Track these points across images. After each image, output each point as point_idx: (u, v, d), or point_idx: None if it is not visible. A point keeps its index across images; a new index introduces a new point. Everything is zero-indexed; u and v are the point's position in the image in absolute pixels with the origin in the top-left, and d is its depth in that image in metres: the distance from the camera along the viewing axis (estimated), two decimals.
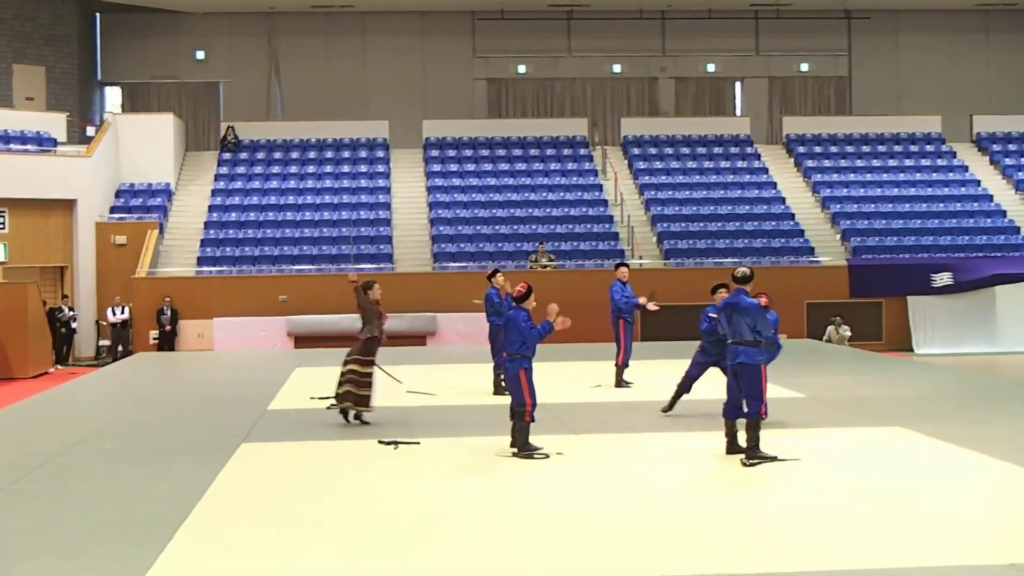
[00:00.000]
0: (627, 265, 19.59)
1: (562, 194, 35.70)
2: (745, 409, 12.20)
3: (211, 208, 34.93)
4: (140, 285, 30.26)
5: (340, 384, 15.09)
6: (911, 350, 30.42)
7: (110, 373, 24.37)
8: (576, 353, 23.76)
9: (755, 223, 34.21)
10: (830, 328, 29.67)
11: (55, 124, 34.96)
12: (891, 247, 33.20)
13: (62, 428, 15.72)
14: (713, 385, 15.84)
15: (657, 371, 20.61)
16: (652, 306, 18.58)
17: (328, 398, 15.84)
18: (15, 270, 30.64)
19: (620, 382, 18.68)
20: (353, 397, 15.02)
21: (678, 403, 15.65)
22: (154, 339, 29.70)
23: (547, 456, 12.50)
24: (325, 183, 36.51)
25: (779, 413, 14.41)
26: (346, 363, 15.14)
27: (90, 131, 36.80)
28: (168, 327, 29.61)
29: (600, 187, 36.23)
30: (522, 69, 42.07)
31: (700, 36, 42.06)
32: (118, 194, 34.59)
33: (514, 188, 36.14)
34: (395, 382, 16.77)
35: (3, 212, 31.31)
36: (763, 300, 12.94)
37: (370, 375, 15.14)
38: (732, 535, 9.29)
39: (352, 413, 15.08)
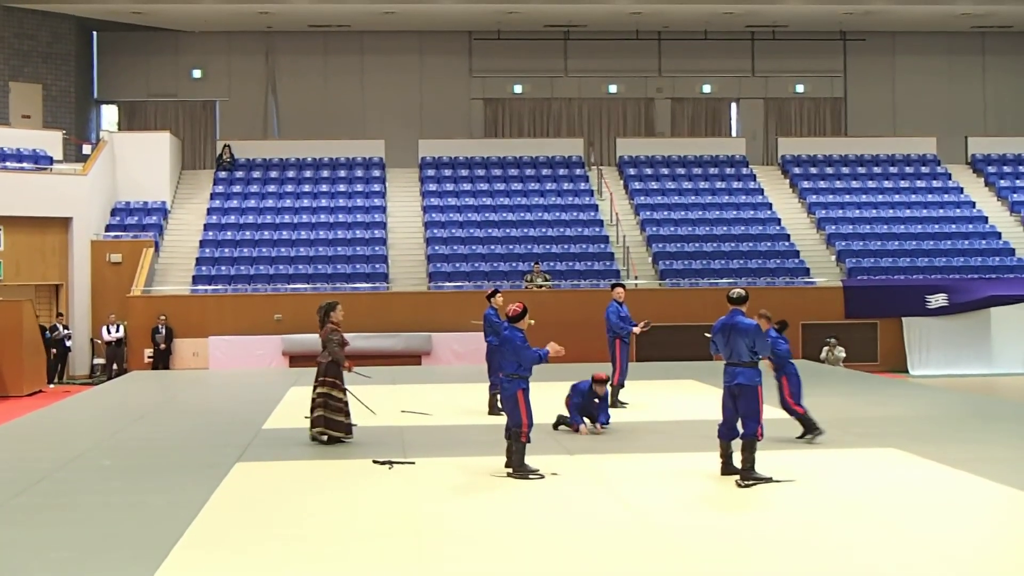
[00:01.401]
0: (623, 286, 19.59)
1: (558, 214, 35.73)
2: (741, 430, 12.20)
3: (207, 226, 34.94)
4: (135, 303, 30.22)
5: (321, 408, 15.10)
6: (906, 371, 30.43)
7: (105, 391, 24.32)
8: (572, 373, 23.70)
9: (750, 244, 34.25)
10: (825, 349, 29.68)
11: (51, 142, 34.99)
12: (886, 268, 33.23)
13: (59, 445, 15.69)
14: (707, 406, 15.88)
15: (653, 391, 20.65)
16: (638, 329, 18.67)
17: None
18: (10, 288, 30.60)
19: (616, 402, 18.67)
20: (324, 421, 15.05)
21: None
22: (149, 357, 29.65)
23: (542, 476, 12.49)
24: (321, 202, 36.53)
25: (774, 434, 14.40)
26: (318, 386, 15.14)
27: (86, 149, 36.83)
28: (163, 345, 29.57)
29: (596, 207, 36.27)
30: (518, 89, 42.16)
31: (696, 57, 42.19)
32: (114, 212, 34.60)
33: (510, 208, 36.17)
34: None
35: None
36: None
37: (345, 401, 15.17)
38: (727, 556, 9.28)
39: (326, 436, 15.10)
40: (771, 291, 30.72)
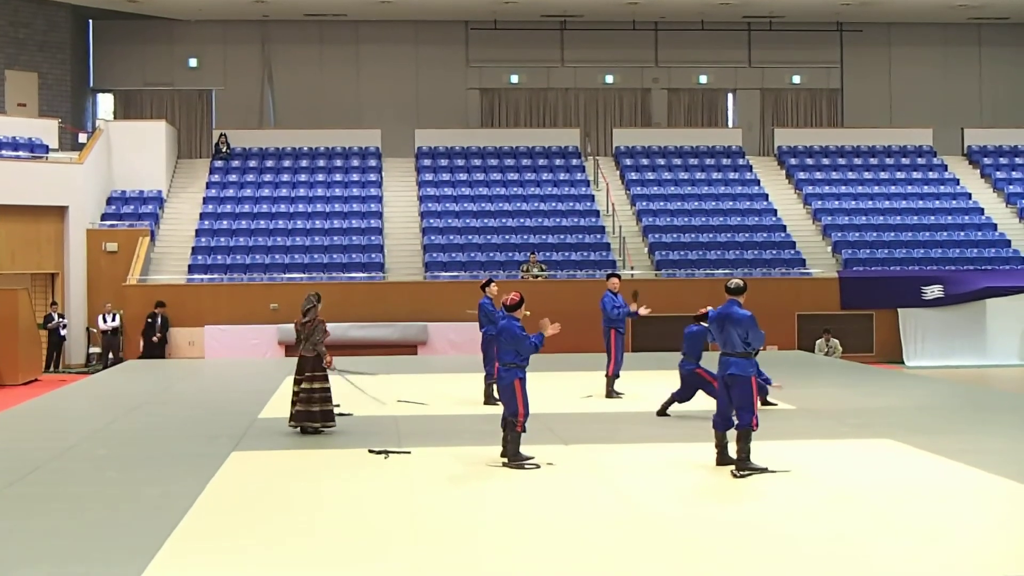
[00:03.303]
0: (618, 275, 19.58)
1: (554, 204, 35.72)
2: (736, 420, 12.20)
3: (203, 216, 34.90)
4: (131, 292, 30.22)
5: (299, 403, 15.03)
6: (902, 362, 30.46)
7: (100, 380, 24.31)
8: (567, 363, 23.77)
9: (746, 234, 34.26)
10: (819, 341, 29.72)
11: (47, 130, 34.89)
12: (882, 259, 33.25)
13: (53, 434, 15.70)
14: (702, 396, 15.90)
15: (648, 382, 20.64)
16: (644, 310, 18.60)
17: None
18: (6, 276, 30.57)
19: (611, 393, 18.69)
20: (321, 416, 15.02)
21: (670, 410, 16.20)
22: (149, 341, 29.60)
23: (538, 466, 12.50)
24: (317, 191, 36.50)
25: (769, 424, 14.42)
26: (302, 381, 15.07)
27: (82, 138, 36.71)
28: (159, 335, 29.54)
29: (592, 197, 36.26)
30: (515, 79, 42.12)
31: (693, 47, 42.15)
32: (110, 201, 34.55)
33: (506, 198, 36.16)
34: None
35: None
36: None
37: (325, 388, 15.15)
38: (722, 546, 9.30)
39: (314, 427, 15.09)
40: (767, 282, 30.73)
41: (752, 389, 12.18)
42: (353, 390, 16.87)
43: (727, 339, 12.20)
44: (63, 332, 30.60)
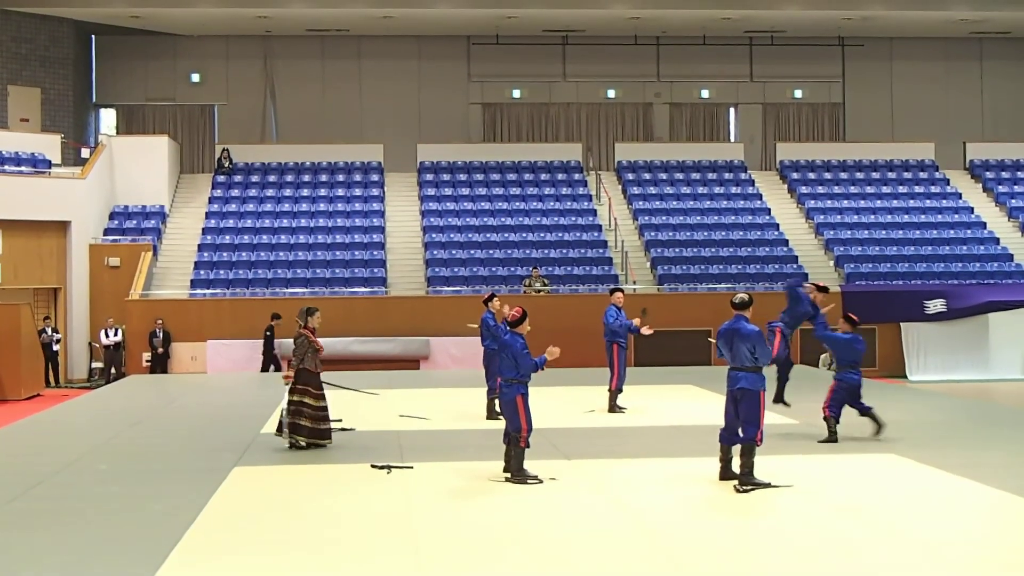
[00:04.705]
0: (622, 290, 19.56)
1: (556, 219, 35.73)
2: (742, 435, 12.19)
3: (205, 231, 34.92)
4: (133, 307, 30.21)
5: (290, 414, 14.98)
6: (905, 377, 30.42)
7: (103, 395, 24.28)
8: (570, 378, 23.73)
9: (749, 249, 34.25)
10: (824, 355, 29.67)
11: (50, 146, 34.95)
12: (885, 273, 33.24)
13: (56, 449, 15.67)
14: (705, 410, 15.88)
15: (651, 396, 20.63)
16: (647, 330, 18.57)
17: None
18: (8, 291, 30.59)
19: (614, 407, 18.66)
20: (308, 431, 14.98)
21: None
22: (147, 361, 29.62)
23: (541, 481, 12.48)
24: (319, 206, 36.52)
25: (773, 439, 14.39)
26: (295, 392, 15.03)
27: (85, 153, 36.78)
28: (161, 349, 29.54)
29: (594, 212, 36.28)
30: (517, 94, 42.17)
31: (695, 62, 42.20)
32: (112, 216, 34.59)
33: (508, 212, 36.17)
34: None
35: None
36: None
37: (321, 406, 15.12)
38: (724, 561, 9.28)
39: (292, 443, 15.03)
40: (769, 296, 30.65)
41: (760, 404, 12.17)
42: (353, 400, 16.84)
43: (736, 354, 12.21)
44: (56, 347, 30.57)
